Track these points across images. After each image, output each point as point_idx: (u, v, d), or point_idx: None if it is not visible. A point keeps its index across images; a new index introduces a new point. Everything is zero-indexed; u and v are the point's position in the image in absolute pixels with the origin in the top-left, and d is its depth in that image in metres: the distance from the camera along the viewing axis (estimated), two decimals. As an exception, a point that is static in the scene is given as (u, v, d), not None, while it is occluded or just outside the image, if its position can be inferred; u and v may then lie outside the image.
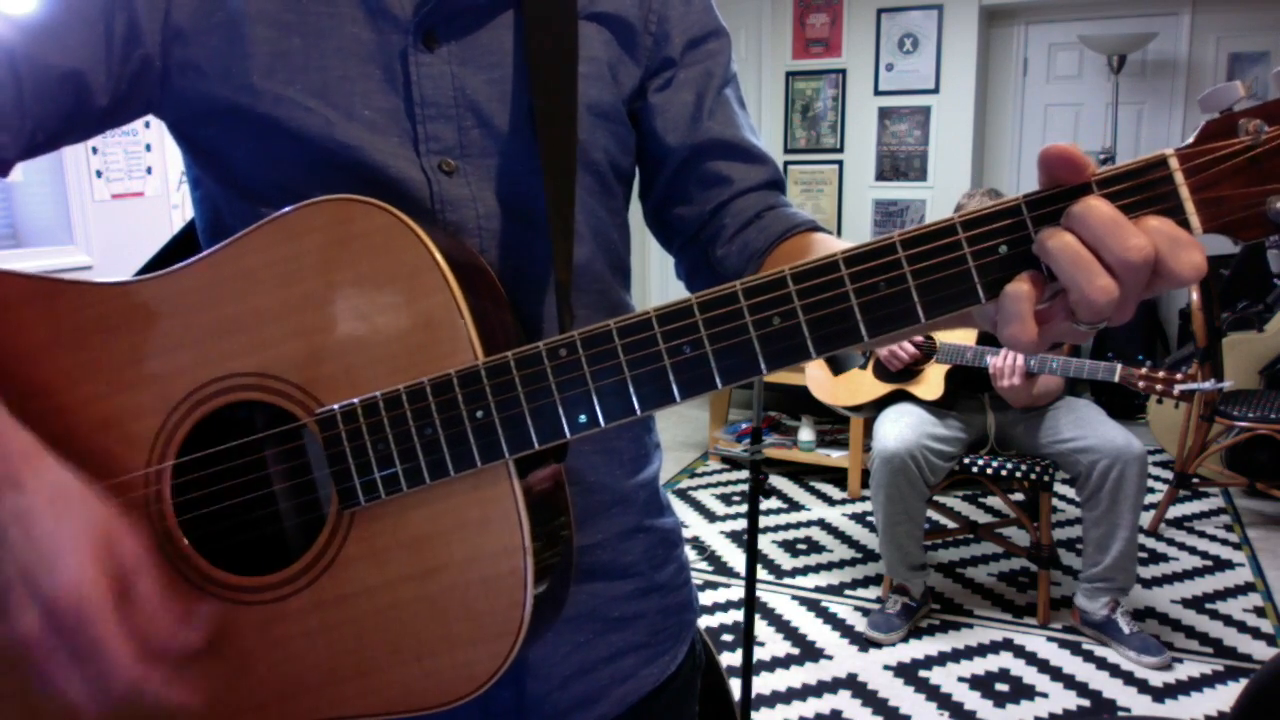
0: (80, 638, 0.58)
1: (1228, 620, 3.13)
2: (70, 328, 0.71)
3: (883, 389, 3.23)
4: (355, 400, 0.65)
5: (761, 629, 3.13)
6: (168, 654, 0.62)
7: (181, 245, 0.85)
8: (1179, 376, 2.66)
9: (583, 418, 0.62)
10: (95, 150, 3.09)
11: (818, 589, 3.43)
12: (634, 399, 0.61)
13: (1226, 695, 2.69)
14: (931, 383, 3.13)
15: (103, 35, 0.71)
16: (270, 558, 0.69)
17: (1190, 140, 0.52)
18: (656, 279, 5.82)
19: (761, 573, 3.54)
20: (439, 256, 0.65)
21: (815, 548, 3.79)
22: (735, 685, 2.35)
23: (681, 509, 4.21)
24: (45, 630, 0.58)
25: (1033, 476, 3.04)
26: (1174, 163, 0.52)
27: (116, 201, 3.13)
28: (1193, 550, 3.69)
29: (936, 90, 5.37)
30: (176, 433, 0.69)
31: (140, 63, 0.72)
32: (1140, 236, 0.50)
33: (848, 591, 3.41)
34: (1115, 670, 2.84)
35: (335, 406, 0.66)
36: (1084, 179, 0.53)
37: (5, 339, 0.68)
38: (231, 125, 0.73)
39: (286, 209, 0.67)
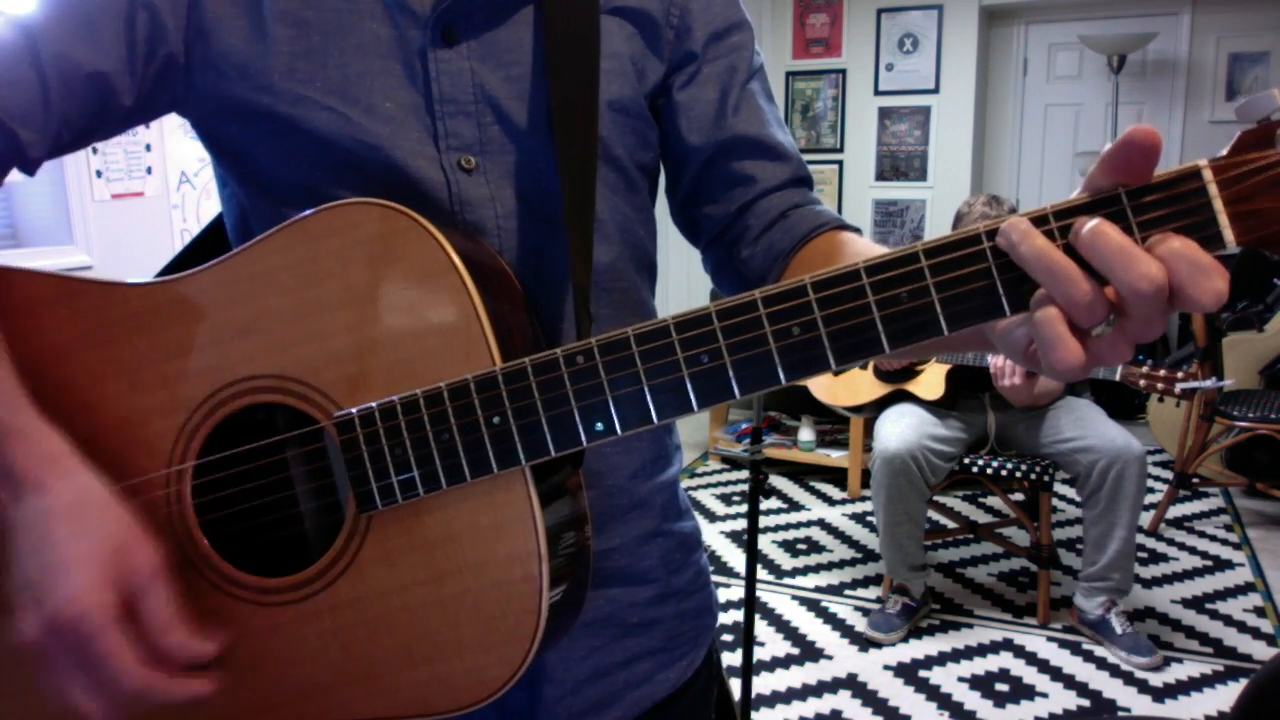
0: (82, 649, 0.59)
1: (1227, 620, 3.14)
2: (94, 327, 0.71)
3: (883, 389, 3.24)
4: (373, 404, 0.65)
5: (761, 629, 3.14)
6: (177, 663, 0.62)
7: (209, 241, 0.85)
8: (1180, 375, 2.66)
9: (600, 425, 0.61)
10: (95, 150, 3.07)
11: (818, 589, 3.43)
12: (651, 408, 0.60)
13: (1226, 695, 2.69)
14: (932, 383, 3.13)
15: (124, 35, 0.71)
16: (288, 560, 0.69)
17: (1225, 151, 0.50)
18: (676, 276, 5.70)
19: (761, 573, 3.54)
20: (457, 260, 0.64)
21: (815, 548, 3.79)
22: (735, 685, 2.35)
23: (681, 508, 4.20)
24: (47, 638, 0.59)
25: (1033, 476, 3.04)
26: (1208, 174, 0.49)
27: (116, 201, 3.12)
28: (1192, 550, 3.69)
29: (936, 90, 5.37)
30: (197, 433, 0.70)
31: (164, 61, 0.72)
32: (1151, 264, 0.47)
33: (848, 591, 3.41)
34: (1115, 670, 2.84)
35: (353, 410, 0.66)
36: (1138, 180, 0.50)
37: (31, 338, 0.69)
38: (252, 125, 0.73)
39: (306, 212, 0.67)
